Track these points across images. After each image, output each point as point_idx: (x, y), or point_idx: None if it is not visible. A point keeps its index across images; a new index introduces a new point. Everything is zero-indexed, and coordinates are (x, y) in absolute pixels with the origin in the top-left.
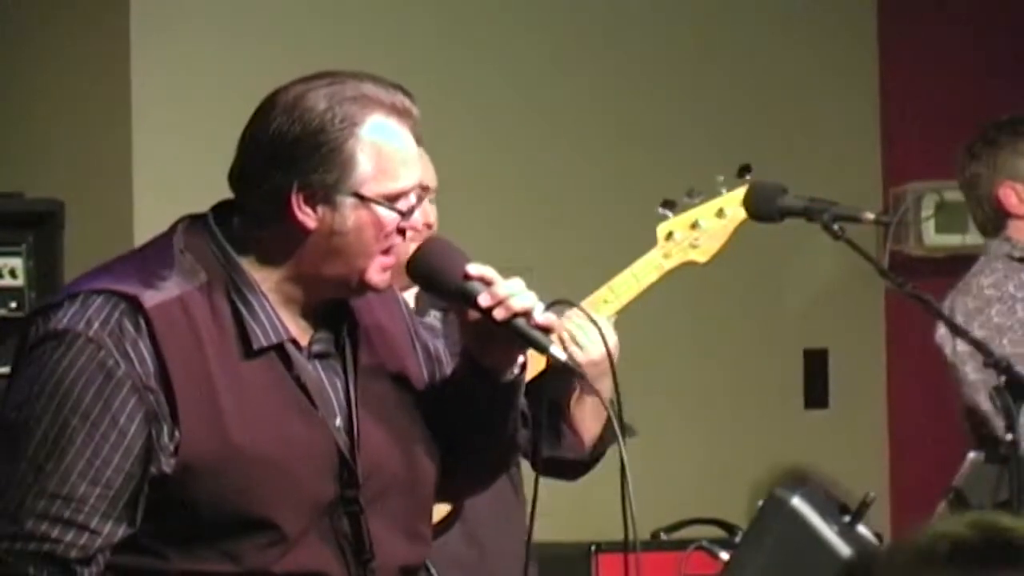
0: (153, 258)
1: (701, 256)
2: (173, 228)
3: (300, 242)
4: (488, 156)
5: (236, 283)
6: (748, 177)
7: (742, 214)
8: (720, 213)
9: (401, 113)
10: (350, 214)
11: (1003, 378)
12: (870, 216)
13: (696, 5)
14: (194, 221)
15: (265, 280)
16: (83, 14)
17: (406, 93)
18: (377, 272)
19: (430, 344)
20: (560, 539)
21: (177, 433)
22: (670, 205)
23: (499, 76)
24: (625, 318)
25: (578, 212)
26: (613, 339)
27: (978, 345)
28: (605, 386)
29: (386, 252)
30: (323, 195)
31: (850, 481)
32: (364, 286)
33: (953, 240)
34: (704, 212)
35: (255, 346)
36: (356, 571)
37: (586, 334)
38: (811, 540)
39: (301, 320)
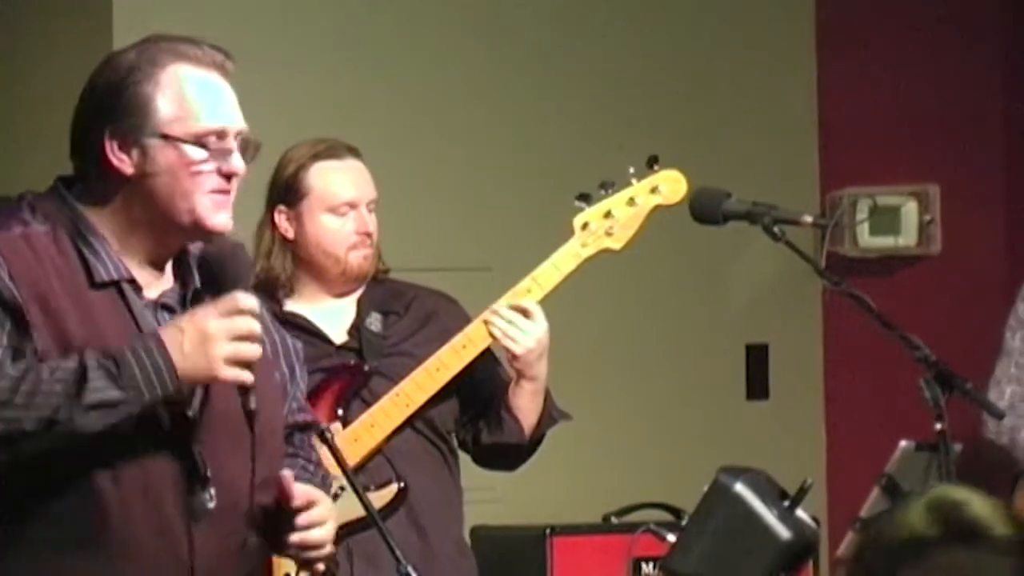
0: (3, 212)
1: (615, 243)
2: (23, 194)
3: (124, 188)
4: (447, 157)
5: (79, 229)
6: (656, 168)
7: (652, 202)
8: (631, 202)
9: (210, 64)
10: (158, 155)
11: (932, 371)
12: (808, 219)
13: (641, 12)
14: (45, 190)
15: (106, 228)
16: (65, 19)
17: (226, 54)
18: (210, 213)
19: (276, 336)
20: (516, 523)
21: (30, 348)
22: (585, 197)
23: (459, 78)
24: (579, 315)
25: (535, 213)
26: (543, 325)
27: (907, 341)
28: (540, 370)
29: (213, 192)
30: (131, 139)
31: (789, 468)
32: (201, 228)
33: (886, 242)
34: (616, 202)
35: (96, 279)
36: (178, 499)
37: (517, 326)
38: (752, 523)
39: (148, 270)
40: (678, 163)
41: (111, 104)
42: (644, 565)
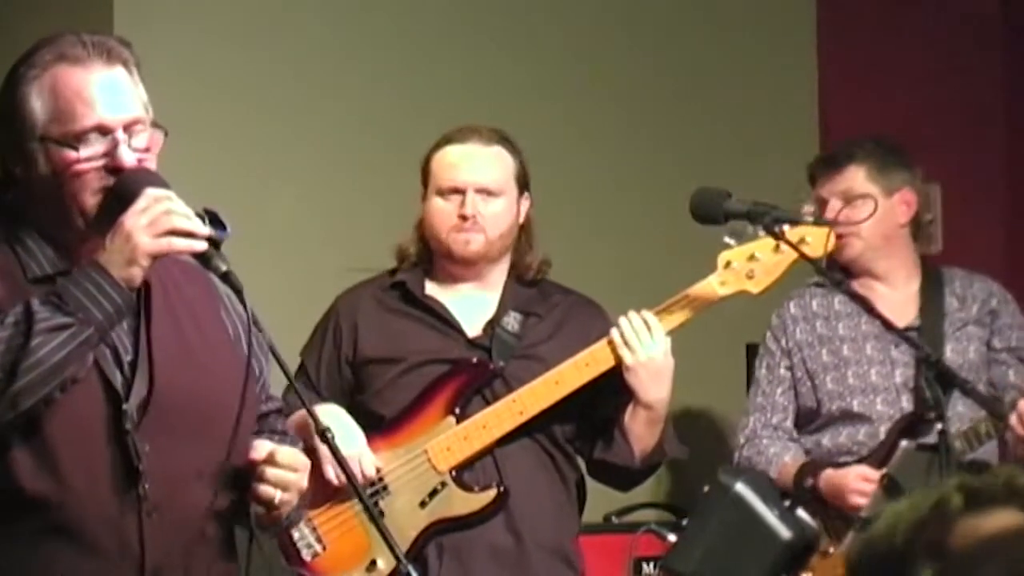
0: None
1: (755, 287)
2: None
3: (26, 192)
4: None
5: (11, 229)
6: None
7: (796, 252)
8: (777, 248)
9: (93, 59)
10: (40, 159)
11: (933, 371)
12: (809, 219)
13: (642, 12)
14: None
15: (35, 227)
16: (65, 18)
17: (121, 43)
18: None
19: (239, 323)
20: None
21: None
22: (735, 235)
23: (457, 75)
24: None
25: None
26: (661, 347)
27: (910, 341)
28: (655, 395)
29: (104, 190)
30: (17, 145)
31: None
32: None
33: None
34: (763, 246)
35: (29, 275)
36: (127, 491)
37: (638, 338)
38: (753, 523)
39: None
40: (679, 163)
41: (1, 112)
42: (645, 565)
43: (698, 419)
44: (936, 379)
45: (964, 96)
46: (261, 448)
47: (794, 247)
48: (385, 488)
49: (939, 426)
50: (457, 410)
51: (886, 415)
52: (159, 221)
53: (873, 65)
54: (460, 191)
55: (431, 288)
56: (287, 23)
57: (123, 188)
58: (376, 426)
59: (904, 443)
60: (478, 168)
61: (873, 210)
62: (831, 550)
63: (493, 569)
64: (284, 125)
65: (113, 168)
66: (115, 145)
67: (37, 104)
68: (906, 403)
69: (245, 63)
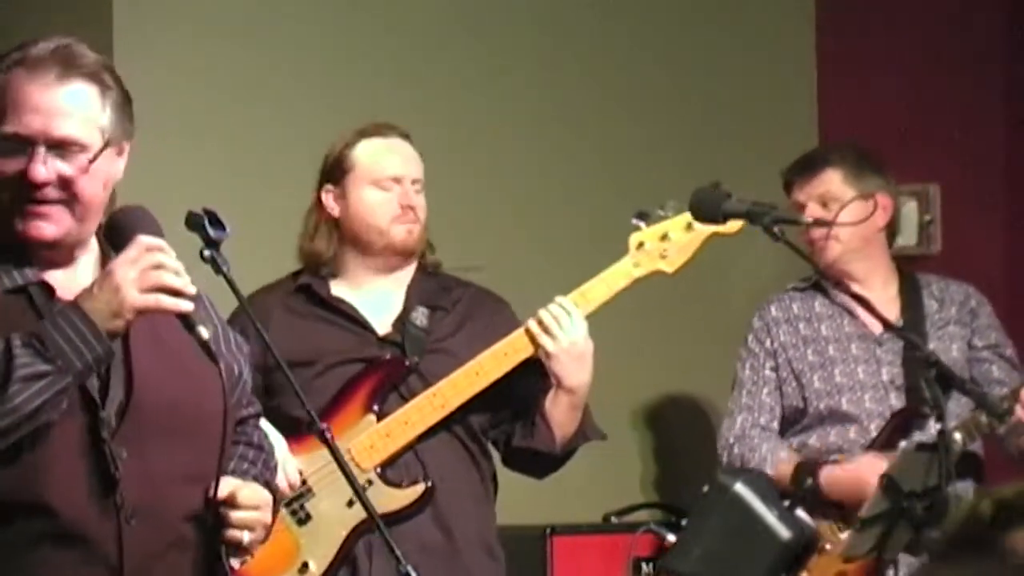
0: None
1: (668, 266)
2: None
3: None
4: (437, 153)
5: None
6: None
7: (710, 229)
8: (689, 227)
9: (45, 66)
10: None
11: (933, 371)
12: (808, 219)
13: (640, 13)
14: None
15: (5, 237)
16: (64, 16)
17: (105, 65)
18: (22, 223)
19: (218, 326)
20: (516, 522)
21: None
22: (643, 216)
23: (450, 71)
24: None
25: (528, 211)
26: (581, 332)
27: (909, 341)
28: (578, 381)
29: (20, 202)
30: None
31: None
32: (28, 240)
33: None
34: (674, 225)
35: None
36: (105, 497)
37: (559, 325)
38: (753, 523)
39: (61, 270)
40: (679, 163)
41: None
42: (644, 565)
43: (697, 420)
44: (936, 379)
45: (964, 96)
46: (222, 488)
47: (792, 246)
48: (310, 491)
49: (939, 426)
50: (376, 407)
51: (875, 412)
52: (148, 275)
53: (872, 64)
54: (398, 181)
55: (336, 289)
56: (287, 23)
57: (115, 226)
58: (294, 430)
59: (903, 444)
60: (410, 160)
61: (872, 210)
62: (827, 547)
63: (423, 564)
64: (283, 125)
65: (23, 180)
66: (31, 159)
67: None
68: (895, 401)
69: (244, 63)
